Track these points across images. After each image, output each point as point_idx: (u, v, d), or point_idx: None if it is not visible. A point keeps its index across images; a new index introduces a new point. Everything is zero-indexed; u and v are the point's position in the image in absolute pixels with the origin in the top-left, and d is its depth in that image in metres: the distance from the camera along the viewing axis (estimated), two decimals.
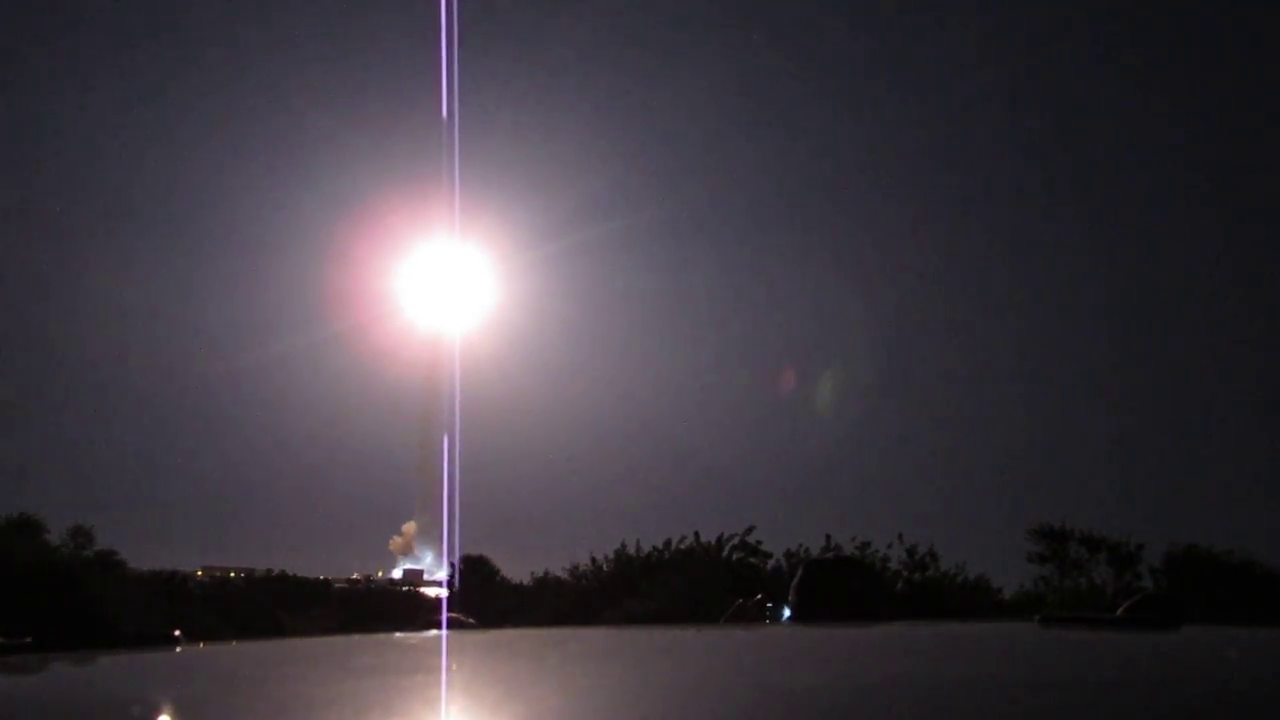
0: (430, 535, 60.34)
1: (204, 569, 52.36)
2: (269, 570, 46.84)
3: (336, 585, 47.92)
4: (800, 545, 30.16)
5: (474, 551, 34.51)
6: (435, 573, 53.73)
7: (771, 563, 29.95)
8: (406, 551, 62.13)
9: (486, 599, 29.88)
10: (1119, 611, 7.06)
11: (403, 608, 36.73)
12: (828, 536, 28.94)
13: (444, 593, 40.72)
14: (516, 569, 37.53)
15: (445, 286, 54.96)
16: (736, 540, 30.80)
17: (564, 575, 33.49)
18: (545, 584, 32.85)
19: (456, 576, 35.56)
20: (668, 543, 31.44)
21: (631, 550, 32.06)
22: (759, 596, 10.22)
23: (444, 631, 6.51)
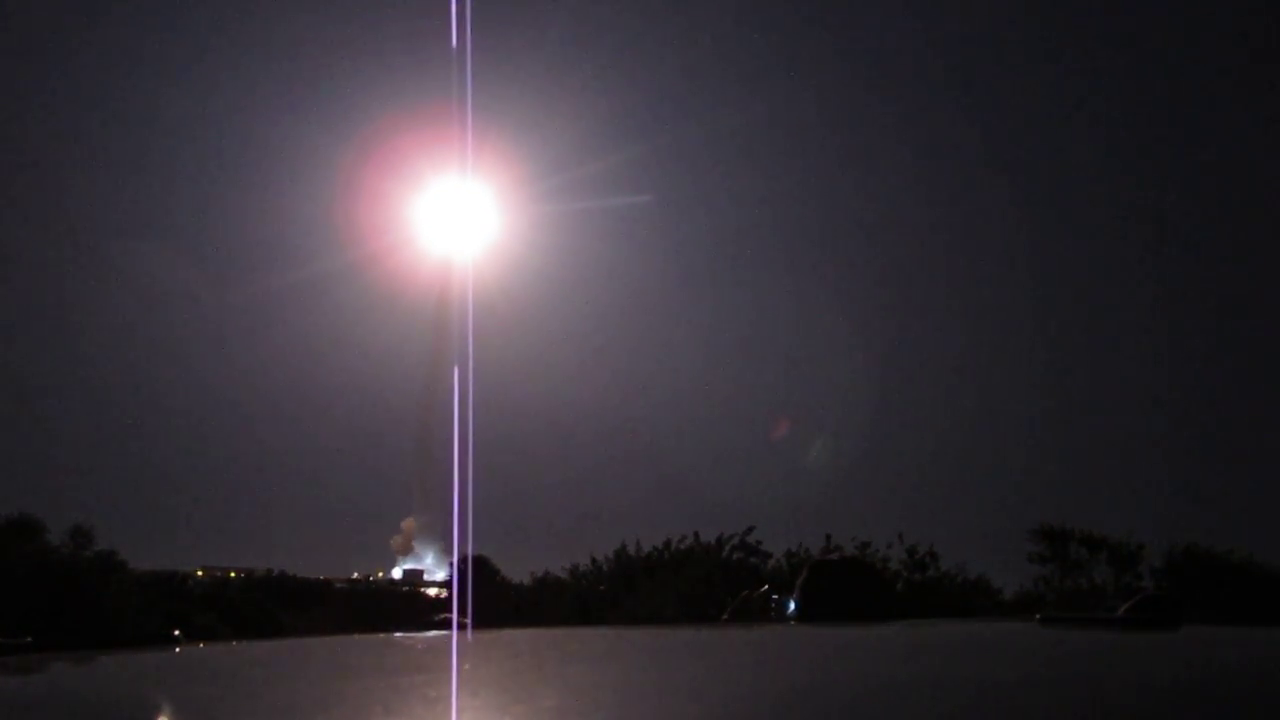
0: (431, 533, 60.45)
1: (204, 569, 52.41)
2: (269, 570, 46.91)
3: (337, 585, 47.95)
4: (800, 545, 30.13)
5: (477, 549, 34.60)
6: (436, 573, 53.78)
7: (771, 563, 29.92)
8: (406, 551, 62.14)
9: (486, 600, 29.88)
10: (1120, 611, 7.06)
11: (403, 608, 36.77)
12: (828, 536, 28.92)
13: (444, 592, 40.84)
14: (516, 569, 37.59)
15: (456, 217, 54.78)
16: (736, 540, 30.76)
17: (563, 575, 33.47)
18: (545, 584, 32.85)
19: (459, 574, 35.60)
20: (667, 543, 31.38)
21: (631, 550, 32.01)
22: (765, 588, 10.23)
23: (454, 632, 6.51)
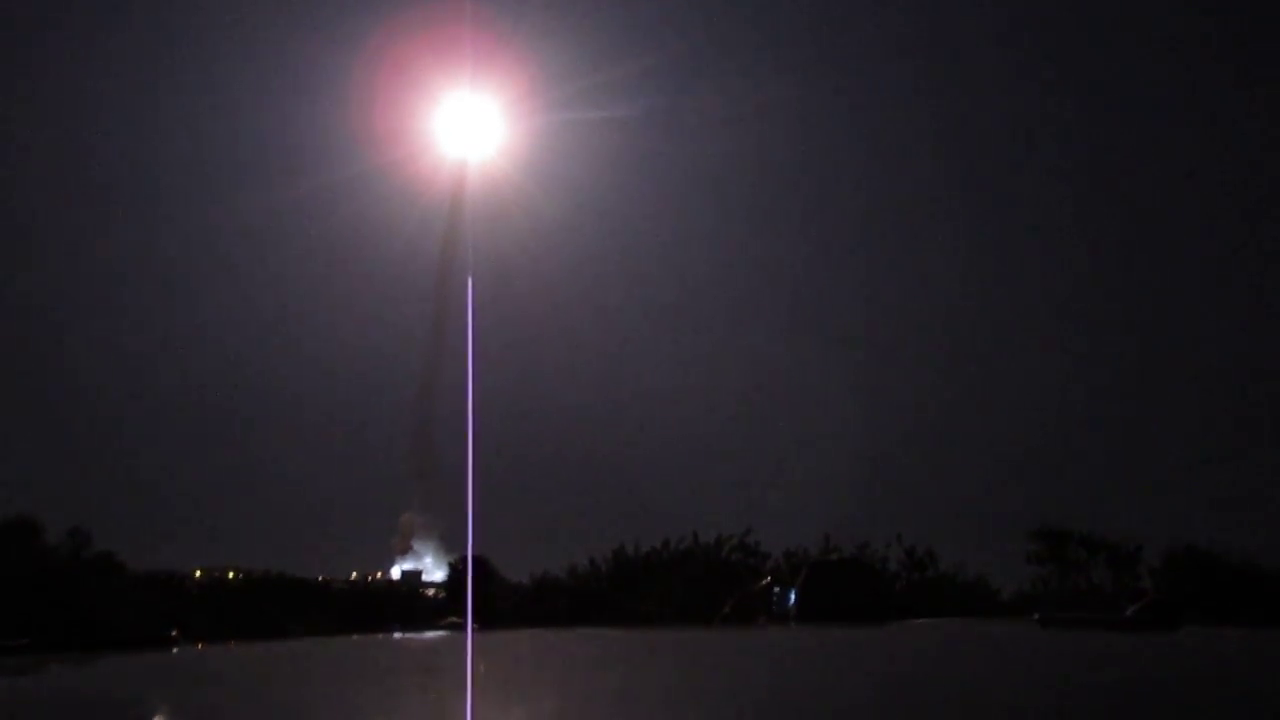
0: (429, 531, 60.27)
1: (202, 569, 52.33)
2: (267, 571, 46.82)
3: (336, 586, 47.88)
4: (799, 546, 30.15)
5: (479, 548, 34.45)
6: (434, 573, 53.68)
7: (770, 564, 29.93)
8: (405, 550, 62.01)
9: (485, 600, 29.86)
10: (1128, 613, 7.08)
11: (402, 609, 36.70)
12: (827, 537, 28.95)
13: (442, 593, 40.71)
14: (515, 568, 37.51)
15: (465, 127, 54.20)
16: (735, 541, 30.80)
17: (563, 575, 33.50)
18: (545, 585, 32.83)
19: (460, 574, 35.57)
20: (666, 543, 31.44)
21: (630, 550, 32.07)
22: (766, 580, 10.25)
23: (468, 636, 6.52)
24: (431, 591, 44.31)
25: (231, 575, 49.00)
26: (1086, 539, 30.20)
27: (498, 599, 31.39)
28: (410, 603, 40.06)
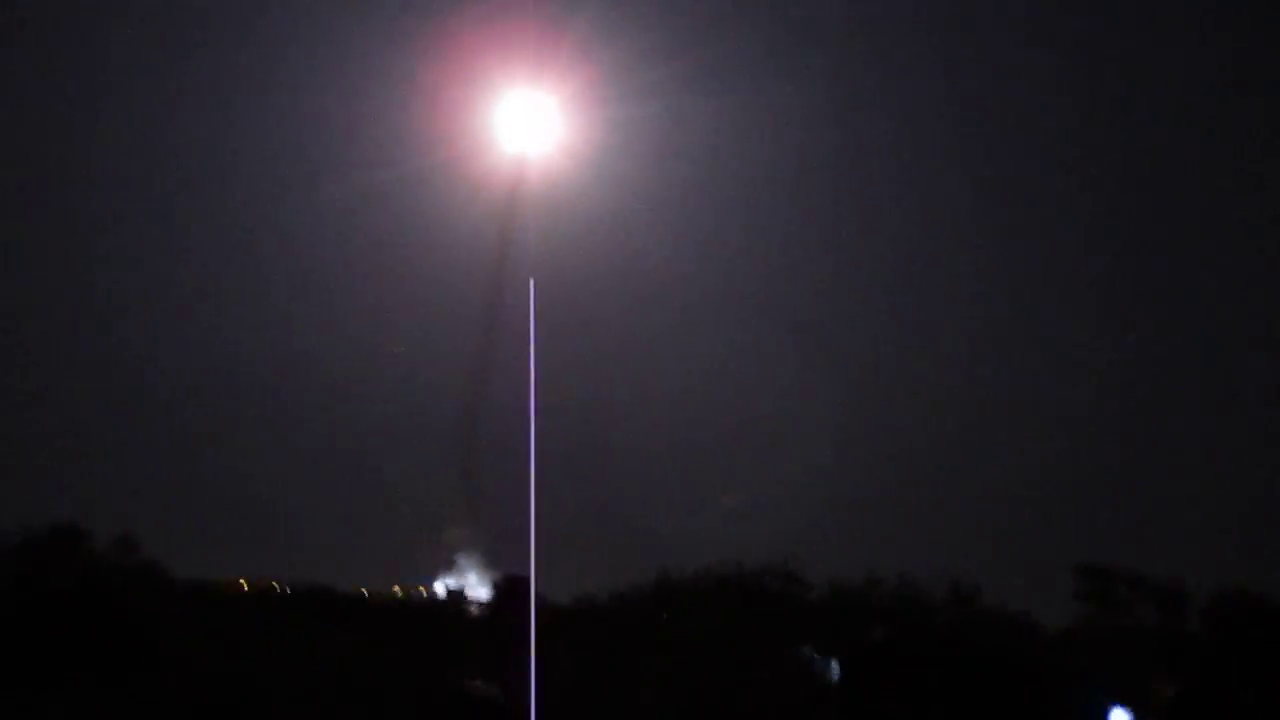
0: (475, 546, 60.24)
1: (246, 578, 52.58)
2: (313, 584, 46.94)
3: (378, 601, 47.98)
4: (842, 576, 30.01)
5: (526, 564, 34.29)
6: (477, 589, 53.62)
7: (813, 594, 29.78)
8: (449, 566, 62.00)
9: (523, 627, 29.79)
10: (1169, 695, 6.93)
11: (439, 634, 36.53)
12: (869, 575, 28.76)
13: (485, 612, 40.76)
14: (557, 587, 37.33)
15: (526, 124, 54.37)
16: (778, 569, 30.70)
17: (604, 597, 33.46)
18: (584, 611, 32.70)
19: (498, 598, 35.64)
20: (709, 569, 31.41)
21: (674, 574, 32.06)
22: (807, 648, 10.18)
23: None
24: (475, 609, 44.29)
25: (275, 586, 49.23)
26: (1132, 577, 29.86)
27: (537, 626, 31.30)
28: (453, 625, 40.01)
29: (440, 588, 57.12)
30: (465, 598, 50.99)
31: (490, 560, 58.69)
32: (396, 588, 56.85)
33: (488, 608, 42.17)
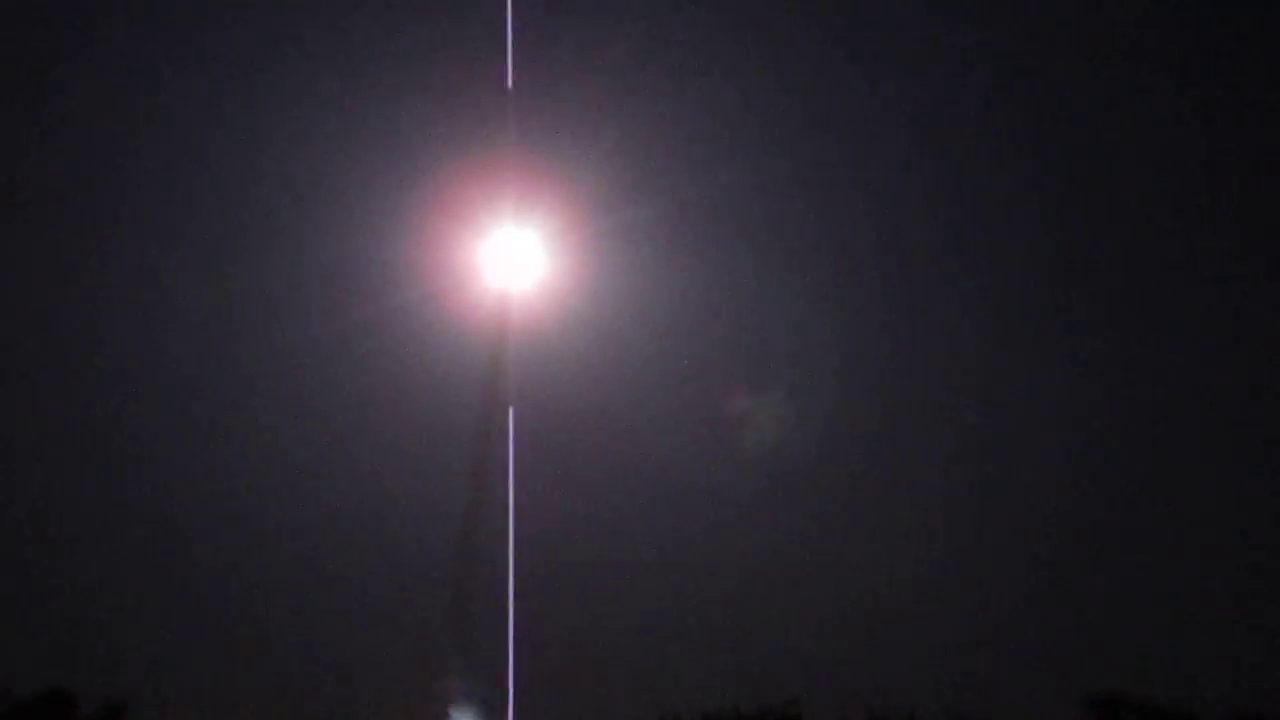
0: (469, 700, 59.00)
1: None
2: None
3: None
4: (843, 716, 29.51)
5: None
6: None
7: None
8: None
9: None
10: None
11: None
12: (871, 709, 28.24)
13: None
14: None
15: (508, 261, 54.85)
16: (779, 713, 30.13)
17: None
18: None
19: None
20: (705, 715, 30.84)
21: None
22: None
23: None
24: None
25: None
26: (1142, 707, 29.34)
27: None
28: None
29: None
30: None
31: (488, 712, 57.49)
32: None
33: None
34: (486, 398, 57.72)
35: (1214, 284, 66.88)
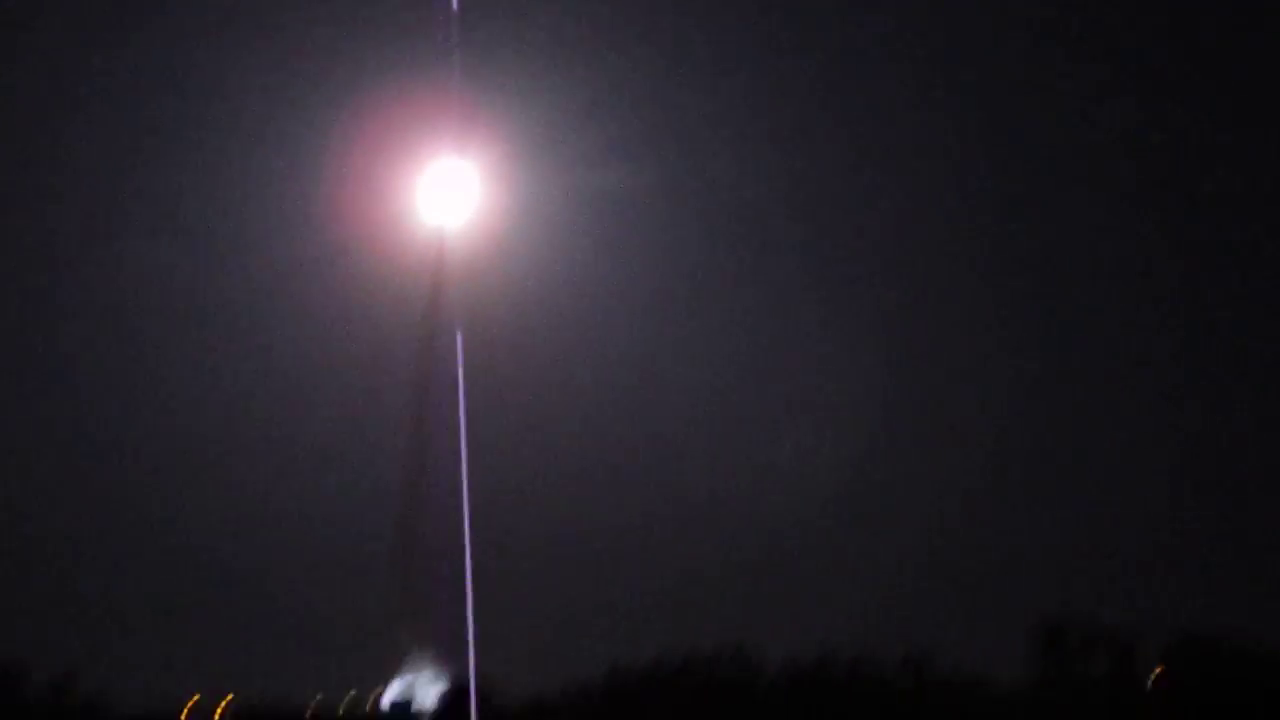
0: (422, 651, 59.04)
1: (195, 697, 51.32)
2: (256, 703, 45.99)
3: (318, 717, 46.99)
4: (794, 655, 29.86)
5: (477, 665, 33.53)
6: (425, 701, 52.50)
7: (767, 677, 29.55)
8: (401, 672, 60.51)
9: None
10: None
11: None
12: (820, 649, 28.64)
13: None
14: (509, 682, 36.53)
15: (449, 195, 54.34)
16: (729, 655, 30.45)
17: (557, 698, 33.10)
18: (537, 711, 32.29)
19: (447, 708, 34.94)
20: (659, 661, 31.10)
21: (623, 667, 31.77)
22: None
23: None
24: None
25: (221, 709, 48.16)
26: (1085, 631, 29.89)
27: None
28: None
29: (387, 700, 55.66)
30: (409, 711, 49.92)
31: (441, 663, 57.51)
32: (350, 694, 55.70)
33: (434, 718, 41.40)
34: (429, 324, 57.28)
35: None
